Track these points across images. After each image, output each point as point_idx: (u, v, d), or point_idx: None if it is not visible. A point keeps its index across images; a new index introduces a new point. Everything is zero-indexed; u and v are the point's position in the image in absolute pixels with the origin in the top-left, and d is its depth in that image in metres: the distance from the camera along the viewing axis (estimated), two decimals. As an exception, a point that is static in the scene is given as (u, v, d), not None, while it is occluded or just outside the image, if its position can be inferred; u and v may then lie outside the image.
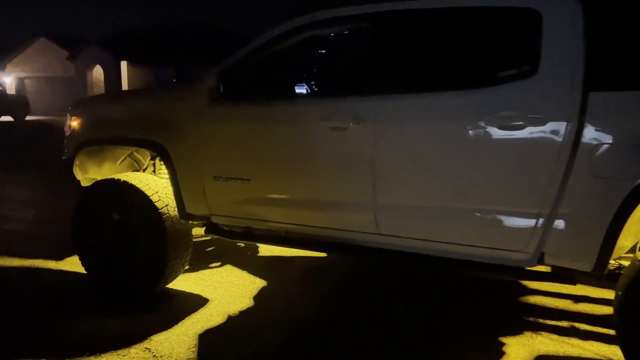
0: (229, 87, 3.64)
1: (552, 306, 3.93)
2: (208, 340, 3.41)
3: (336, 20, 3.38)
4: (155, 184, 3.95)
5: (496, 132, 2.91)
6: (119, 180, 3.91)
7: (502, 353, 3.25)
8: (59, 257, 4.96)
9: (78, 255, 4.17)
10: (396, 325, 3.62)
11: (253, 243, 4.84)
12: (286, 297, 4.12)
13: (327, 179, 3.39)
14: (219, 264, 4.83)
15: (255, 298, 4.06)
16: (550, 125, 2.81)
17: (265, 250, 5.22)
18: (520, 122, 2.86)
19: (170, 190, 3.95)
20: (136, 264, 3.94)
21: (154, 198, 3.84)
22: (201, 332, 3.51)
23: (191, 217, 3.88)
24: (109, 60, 31.15)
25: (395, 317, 3.74)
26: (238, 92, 3.63)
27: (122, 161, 4.43)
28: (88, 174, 4.32)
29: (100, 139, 4.09)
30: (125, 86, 29.64)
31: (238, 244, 5.36)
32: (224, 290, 4.20)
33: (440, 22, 3.21)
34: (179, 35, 32.56)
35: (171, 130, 3.80)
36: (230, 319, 3.72)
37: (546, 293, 4.14)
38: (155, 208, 3.82)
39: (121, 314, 3.77)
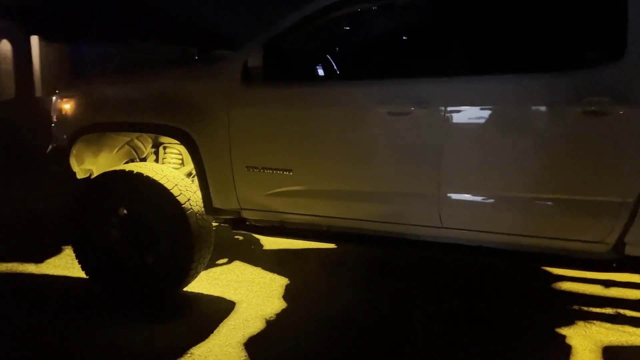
0: (267, 65, 3.24)
1: (586, 292, 3.89)
2: (254, 349, 3.07)
3: None
4: (173, 175, 3.50)
5: (581, 118, 2.75)
6: (131, 172, 3.43)
7: (568, 346, 3.15)
8: (39, 259, 4.36)
9: (77, 256, 3.65)
10: (441, 320, 3.43)
11: (261, 237, 4.48)
12: (314, 293, 3.82)
13: (383, 169, 3.12)
14: (226, 260, 4.43)
15: (284, 298, 3.74)
16: (638, 110, 2.68)
17: (270, 243, 4.86)
18: (607, 108, 2.71)
19: (188, 182, 3.52)
20: (153, 264, 3.50)
21: (174, 192, 3.40)
22: (244, 340, 3.16)
23: (219, 212, 3.48)
24: (18, 35, 28.59)
25: (436, 311, 3.55)
26: (277, 71, 3.24)
27: (119, 149, 3.91)
28: (84, 164, 3.77)
29: (106, 125, 3.56)
30: (36, 65, 27.33)
31: (236, 237, 4.97)
32: (247, 291, 3.84)
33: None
34: (105, 7, 30.26)
35: (197, 114, 3.35)
36: (268, 323, 3.38)
37: (572, 279, 4.11)
38: (177, 203, 3.38)
39: (139, 322, 3.34)
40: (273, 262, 4.42)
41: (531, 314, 3.55)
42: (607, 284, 4.02)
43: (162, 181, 3.40)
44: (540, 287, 3.99)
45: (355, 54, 3.39)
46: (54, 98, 3.88)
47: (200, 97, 3.36)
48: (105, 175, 3.50)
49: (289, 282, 4.02)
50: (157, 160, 4.02)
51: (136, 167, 3.47)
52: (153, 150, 4.02)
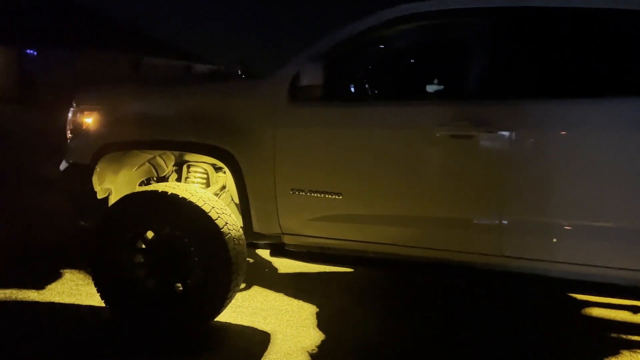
0: (316, 81, 3.07)
1: (618, 319, 3.87)
2: (307, 387, 2.86)
3: (478, 11, 2.95)
4: (209, 197, 3.26)
5: None
6: (164, 192, 3.17)
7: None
8: (39, 284, 3.98)
9: (96, 283, 3.34)
10: (486, 347, 3.32)
11: (273, 259, 4.26)
12: (348, 321, 3.64)
13: (442, 194, 3.00)
14: (244, 285, 4.18)
15: (320, 327, 3.53)
16: None
17: (284, 266, 4.64)
18: None
19: (223, 205, 3.29)
20: (184, 293, 3.23)
21: (212, 215, 3.16)
22: (293, 377, 2.94)
23: (259, 237, 3.26)
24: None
25: (477, 338, 3.44)
26: (328, 89, 3.07)
27: (139, 167, 3.64)
28: (104, 183, 3.48)
29: (138, 142, 3.29)
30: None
31: (247, 259, 4.72)
32: (277, 320, 3.61)
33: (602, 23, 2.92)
34: (56, 10, 29.04)
35: (240, 133, 3.15)
36: (313, 356, 3.17)
37: (597, 304, 4.09)
38: (216, 227, 3.15)
39: (168, 357, 3.06)
40: (293, 287, 4.20)
41: (571, 341, 3.49)
42: (635, 309, 4.02)
43: (198, 203, 3.16)
44: (571, 313, 3.94)
45: (417, 72, 3.26)
46: (71, 110, 3.58)
47: (244, 115, 3.16)
48: (134, 196, 3.22)
49: (317, 309, 3.81)
50: (179, 179, 3.76)
51: (170, 187, 3.21)
52: (174, 168, 3.76)
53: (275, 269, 4.61)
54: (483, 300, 4.09)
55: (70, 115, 3.60)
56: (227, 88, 3.35)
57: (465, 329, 3.62)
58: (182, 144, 3.24)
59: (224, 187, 3.74)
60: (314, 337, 3.39)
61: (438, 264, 3.11)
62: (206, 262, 3.17)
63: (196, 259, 3.19)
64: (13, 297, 3.76)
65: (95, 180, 3.36)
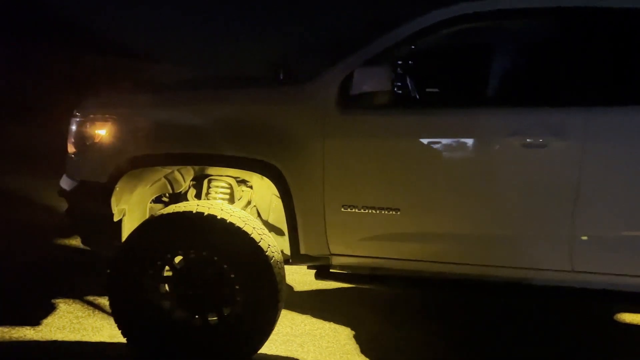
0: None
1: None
2: None
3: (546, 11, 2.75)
4: (248, 217, 2.93)
5: None
6: (200, 213, 2.79)
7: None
8: (33, 319, 3.47)
9: (116, 317, 2.92)
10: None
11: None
12: (391, 346, 3.38)
13: (510, 208, 2.79)
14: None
15: (364, 353, 3.25)
16: None
17: (298, 284, 4.32)
18: None
19: (261, 225, 2.96)
20: (221, 325, 2.88)
21: (255, 237, 2.82)
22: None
23: (305, 259, 2.94)
24: None
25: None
26: (383, 95, 2.79)
27: (154, 183, 3.23)
28: (120, 203, 3.05)
29: (167, 157, 2.89)
30: None
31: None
32: (315, 347, 3.30)
33: None
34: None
35: (285, 145, 2.83)
36: (368, 388, 2.90)
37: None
38: (260, 250, 2.81)
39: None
40: (317, 307, 3.89)
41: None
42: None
43: (239, 224, 2.81)
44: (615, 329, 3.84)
45: (485, 76, 3.02)
46: (74, 120, 3.12)
47: (289, 125, 2.84)
48: (163, 218, 2.82)
49: (353, 332, 3.52)
50: (198, 195, 3.37)
51: (205, 207, 2.84)
52: (192, 183, 3.37)
53: (291, 287, 4.28)
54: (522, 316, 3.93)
55: (73, 126, 3.14)
56: (267, 94, 3.00)
57: (513, 347, 3.44)
58: (221, 158, 2.87)
59: (248, 203, 3.39)
60: (362, 365, 3.11)
61: (503, 283, 2.89)
62: (249, 289, 2.82)
63: (237, 286, 2.83)
64: (6, 336, 3.25)
65: (113, 200, 2.93)
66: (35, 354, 3.11)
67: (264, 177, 3.22)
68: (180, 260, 2.88)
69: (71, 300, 3.77)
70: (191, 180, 3.37)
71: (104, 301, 3.78)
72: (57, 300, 3.76)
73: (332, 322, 3.64)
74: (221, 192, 3.35)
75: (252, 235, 2.81)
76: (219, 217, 2.80)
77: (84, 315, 3.57)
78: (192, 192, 3.36)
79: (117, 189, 2.92)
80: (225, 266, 2.83)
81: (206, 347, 2.90)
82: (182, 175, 3.30)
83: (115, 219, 3.02)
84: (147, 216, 3.30)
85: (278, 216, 3.30)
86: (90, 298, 3.83)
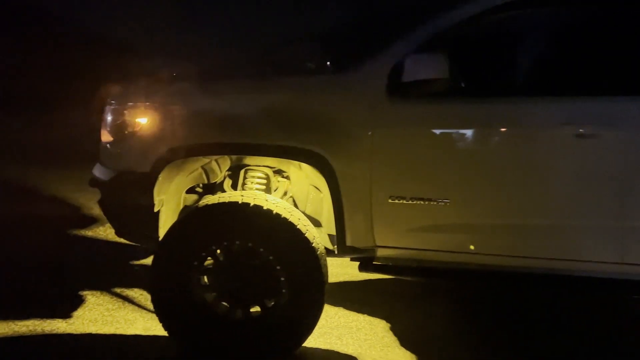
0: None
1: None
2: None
3: None
4: (292, 208, 2.88)
5: None
6: (246, 204, 2.74)
7: None
8: (63, 312, 3.40)
9: (158, 310, 2.86)
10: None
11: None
12: (429, 337, 3.34)
13: (562, 198, 2.76)
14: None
15: (405, 346, 3.21)
16: None
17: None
18: None
19: (303, 216, 2.90)
20: (265, 317, 2.83)
21: (301, 228, 2.77)
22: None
23: (351, 251, 2.89)
24: None
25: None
26: (436, 82, 2.72)
27: (191, 173, 3.16)
28: (161, 194, 2.98)
29: (213, 146, 2.83)
30: None
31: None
32: (353, 340, 3.26)
33: None
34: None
35: (333, 134, 2.78)
36: (416, 381, 2.86)
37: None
38: (307, 241, 2.77)
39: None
40: (349, 299, 3.83)
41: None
42: None
43: (285, 215, 2.76)
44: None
45: (538, 65, 2.95)
46: (109, 108, 3.04)
47: (337, 114, 2.79)
48: (208, 208, 2.76)
49: (388, 324, 3.48)
50: (233, 186, 3.31)
51: (250, 197, 2.78)
52: (228, 173, 3.30)
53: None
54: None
55: (109, 114, 3.06)
56: (315, 83, 2.94)
57: (555, 339, 3.42)
58: (269, 148, 2.81)
59: (285, 194, 3.33)
60: (405, 358, 3.07)
61: (551, 275, 2.87)
62: (295, 281, 2.77)
63: (282, 278, 2.78)
64: (39, 329, 3.18)
65: (155, 190, 2.86)
66: (70, 347, 3.05)
67: (302, 167, 3.18)
68: (224, 252, 2.82)
69: (99, 293, 3.71)
70: (227, 171, 3.30)
71: (132, 293, 3.73)
72: (85, 293, 3.69)
73: (365, 314, 3.60)
74: (257, 183, 3.29)
75: (298, 227, 2.76)
76: (265, 207, 2.74)
77: (114, 307, 3.51)
78: (228, 182, 3.29)
79: (160, 178, 2.85)
80: (270, 257, 2.78)
81: (249, 341, 2.85)
82: (218, 165, 3.23)
83: (156, 209, 2.95)
84: (182, 206, 3.24)
85: (315, 207, 3.25)
86: (118, 290, 3.76)
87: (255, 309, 2.88)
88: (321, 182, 3.07)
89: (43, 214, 5.75)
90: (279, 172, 3.29)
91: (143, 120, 2.88)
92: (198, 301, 2.85)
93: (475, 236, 2.84)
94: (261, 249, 2.78)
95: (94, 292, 3.71)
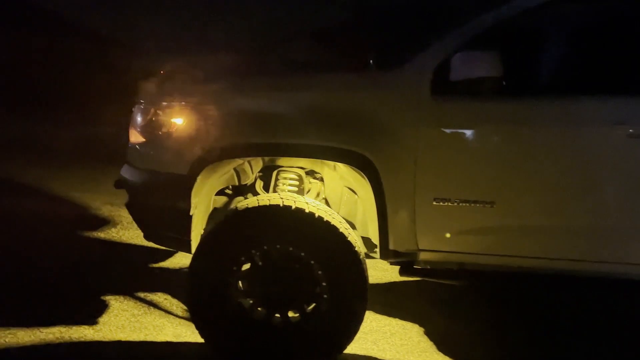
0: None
1: None
2: None
3: None
4: (332, 211, 2.79)
5: None
6: (288, 207, 2.65)
7: None
8: (85, 318, 3.29)
9: (195, 316, 2.77)
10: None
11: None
12: (464, 342, 3.29)
13: (613, 200, 2.71)
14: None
15: (442, 351, 3.15)
16: None
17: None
18: None
19: (341, 218, 2.82)
20: (305, 323, 2.76)
21: (344, 231, 2.69)
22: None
23: (394, 255, 2.81)
24: None
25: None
26: (476, 81, 2.65)
27: (224, 174, 3.07)
28: (196, 196, 2.88)
29: (252, 147, 2.73)
30: None
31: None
32: (390, 345, 3.20)
33: None
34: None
35: (376, 134, 2.69)
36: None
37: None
38: (350, 245, 2.69)
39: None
40: (378, 303, 3.73)
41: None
42: None
43: (327, 218, 2.68)
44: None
45: (589, 63, 2.86)
46: (139, 108, 2.94)
47: (381, 113, 2.72)
48: (248, 212, 2.67)
49: (422, 328, 3.43)
50: (265, 187, 3.22)
51: (290, 200, 2.70)
52: (259, 174, 3.22)
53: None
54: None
55: (139, 114, 2.96)
56: (357, 81, 2.85)
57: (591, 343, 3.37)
58: (311, 148, 2.72)
59: (317, 195, 3.25)
60: (445, 364, 3.01)
61: (597, 278, 2.81)
62: (338, 286, 2.70)
63: (324, 283, 2.70)
64: (66, 336, 3.07)
65: (193, 193, 2.77)
66: (101, 355, 2.94)
67: (336, 169, 3.10)
68: (264, 257, 2.73)
69: (122, 297, 3.60)
70: (258, 172, 3.21)
71: (156, 297, 3.63)
72: (107, 298, 3.58)
73: (397, 319, 3.54)
74: (290, 184, 3.21)
75: (341, 230, 2.68)
76: (307, 210, 2.66)
77: (140, 313, 3.40)
78: (259, 183, 3.21)
79: (198, 180, 2.75)
80: (312, 262, 2.70)
81: (289, 348, 2.77)
82: (250, 166, 3.14)
83: (191, 212, 2.85)
84: (211, 209, 3.15)
85: (349, 210, 3.17)
86: (142, 295, 3.66)
87: (294, 314, 2.80)
88: (357, 183, 3.00)
89: (48, 215, 5.62)
90: (310, 173, 3.21)
91: (179, 121, 2.78)
92: (236, 307, 2.76)
93: (520, 239, 2.78)
94: (302, 253, 2.69)
95: (117, 297, 3.60)
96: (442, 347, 3.18)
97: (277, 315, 2.79)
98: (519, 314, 3.76)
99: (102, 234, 5.12)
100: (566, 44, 2.89)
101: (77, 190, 6.93)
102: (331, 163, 3.07)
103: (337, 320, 2.73)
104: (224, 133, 2.72)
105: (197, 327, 2.78)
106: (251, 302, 2.78)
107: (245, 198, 3.18)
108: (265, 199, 2.73)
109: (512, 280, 2.94)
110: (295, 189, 3.20)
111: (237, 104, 2.78)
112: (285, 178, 3.20)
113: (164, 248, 4.74)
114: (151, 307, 3.49)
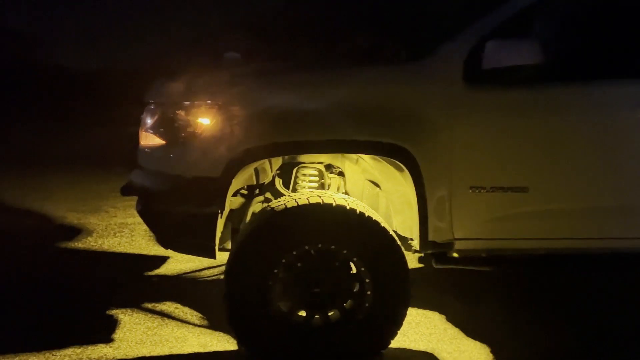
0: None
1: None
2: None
3: None
4: (369, 207, 2.74)
5: None
6: (328, 204, 2.57)
7: None
8: (103, 336, 3.08)
9: (233, 322, 2.64)
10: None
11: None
12: (492, 328, 3.30)
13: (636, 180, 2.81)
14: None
15: (471, 336, 3.16)
16: None
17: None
18: None
19: (373, 214, 2.77)
20: (353, 322, 2.70)
21: (386, 227, 2.65)
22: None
23: (431, 246, 2.79)
24: None
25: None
26: (509, 69, 2.65)
27: (244, 174, 2.94)
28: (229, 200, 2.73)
29: (291, 145, 2.62)
30: None
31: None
32: (419, 335, 3.17)
33: None
34: None
35: (414, 126, 2.65)
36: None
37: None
38: (392, 240, 2.66)
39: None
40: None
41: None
42: None
43: (369, 213, 2.62)
44: None
45: (616, 45, 2.88)
46: (156, 108, 2.75)
47: (416, 104, 2.67)
48: (288, 212, 2.56)
49: (444, 316, 3.42)
50: (285, 184, 3.11)
51: (328, 197, 2.62)
52: (277, 172, 3.10)
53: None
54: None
55: (151, 115, 2.77)
56: (391, 73, 2.77)
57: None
58: (351, 144, 2.64)
59: (337, 190, 3.18)
60: (478, 348, 3.03)
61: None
62: (382, 282, 2.65)
63: (367, 280, 2.65)
64: (84, 357, 2.85)
65: (228, 195, 2.62)
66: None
67: (358, 162, 3.05)
68: (304, 257, 2.64)
69: (129, 310, 3.40)
70: (277, 169, 3.10)
71: (165, 307, 3.47)
72: (114, 312, 3.38)
73: (417, 308, 3.52)
74: (310, 180, 3.12)
75: (383, 225, 2.63)
76: (348, 207, 2.59)
77: (155, 325, 3.22)
78: (279, 181, 3.10)
79: (233, 183, 2.61)
80: (355, 259, 2.64)
81: (332, 348, 2.70)
82: (270, 164, 3.02)
83: (224, 215, 2.71)
84: (227, 210, 3.01)
85: (371, 203, 3.12)
86: (149, 305, 3.47)
87: (334, 313, 2.73)
88: (383, 176, 2.96)
89: (14, 229, 5.26)
90: (328, 167, 3.14)
91: (206, 121, 2.61)
92: (277, 311, 2.66)
93: (554, 222, 2.83)
94: (344, 251, 2.62)
95: (124, 310, 3.39)
96: (469, 333, 3.20)
97: (317, 316, 2.71)
98: (528, 296, 3.84)
99: (80, 244, 4.83)
100: (593, 28, 2.93)
101: (33, 199, 6.51)
102: (353, 156, 3.01)
103: (382, 317, 2.69)
104: (261, 132, 2.57)
105: (237, 335, 2.66)
106: (291, 304, 2.69)
107: (265, 198, 3.07)
108: (303, 197, 2.63)
109: (538, 264, 2.99)
110: (316, 184, 3.12)
111: (275, 101, 2.63)
112: (304, 174, 3.11)
113: (152, 254, 4.59)
114: (165, 318, 3.32)
